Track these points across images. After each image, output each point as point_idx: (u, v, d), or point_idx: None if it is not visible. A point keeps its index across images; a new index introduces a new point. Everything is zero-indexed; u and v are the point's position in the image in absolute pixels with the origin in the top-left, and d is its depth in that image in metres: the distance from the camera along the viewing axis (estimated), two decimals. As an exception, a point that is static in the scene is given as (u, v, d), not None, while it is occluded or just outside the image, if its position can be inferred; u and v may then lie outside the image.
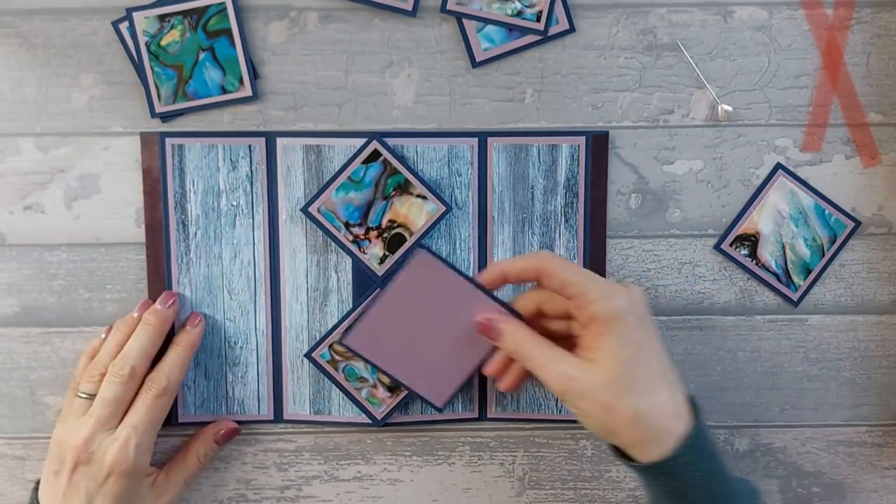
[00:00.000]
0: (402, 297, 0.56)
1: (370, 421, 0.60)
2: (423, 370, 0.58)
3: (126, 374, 0.54)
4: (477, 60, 0.58)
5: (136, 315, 0.57)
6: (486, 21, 0.58)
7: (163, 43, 0.57)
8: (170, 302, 0.57)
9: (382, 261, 0.59)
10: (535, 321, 0.55)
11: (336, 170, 0.58)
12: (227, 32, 0.57)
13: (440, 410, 0.59)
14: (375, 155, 0.58)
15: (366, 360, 0.58)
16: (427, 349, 0.57)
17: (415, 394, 0.58)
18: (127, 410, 0.55)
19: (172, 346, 0.57)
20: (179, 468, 0.58)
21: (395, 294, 0.56)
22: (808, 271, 0.61)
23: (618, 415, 0.49)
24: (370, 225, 0.59)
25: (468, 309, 0.56)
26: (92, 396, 0.54)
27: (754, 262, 0.61)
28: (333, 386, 0.60)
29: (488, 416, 0.61)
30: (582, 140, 0.59)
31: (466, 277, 0.56)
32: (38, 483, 0.56)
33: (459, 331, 0.56)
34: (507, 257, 0.59)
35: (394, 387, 0.60)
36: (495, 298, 0.55)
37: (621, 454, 0.52)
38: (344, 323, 0.59)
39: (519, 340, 0.53)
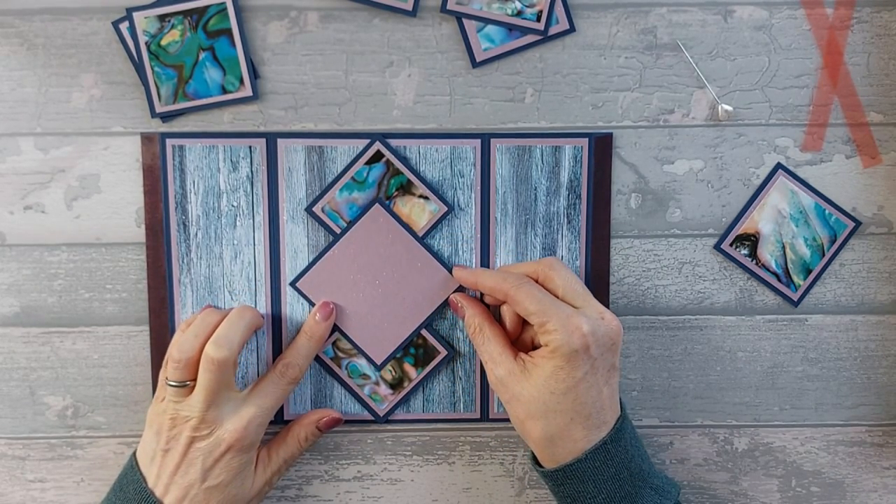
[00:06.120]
0: (355, 248, 0.58)
1: (372, 417, 0.61)
2: (367, 325, 0.59)
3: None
4: (477, 60, 0.58)
5: (247, 310, 0.57)
6: (486, 21, 0.58)
7: (163, 43, 0.57)
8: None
9: (383, 261, 0.59)
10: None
11: (339, 170, 0.58)
12: (227, 32, 0.57)
13: (378, 368, 0.60)
14: (378, 156, 0.58)
15: (313, 305, 0.59)
16: (373, 305, 0.59)
17: (356, 347, 0.59)
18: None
19: (301, 334, 0.58)
20: (281, 448, 0.59)
21: (348, 244, 0.58)
22: (808, 271, 0.61)
23: (528, 430, 0.54)
24: (371, 225, 0.59)
25: (415, 269, 0.58)
26: (184, 384, 0.54)
27: (754, 261, 0.61)
28: (334, 386, 0.60)
29: (490, 416, 0.61)
30: (585, 142, 0.59)
31: (417, 238, 0.58)
32: (134, 453, 0.56)
33: (405, 291, 0.59)
34: (485, 269, 0.59)
35: (395, 383, 0.60)
36: (442, 263, 0.58)
37: (533, 457, 0.57)
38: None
39: (476, 326, 0.57)
